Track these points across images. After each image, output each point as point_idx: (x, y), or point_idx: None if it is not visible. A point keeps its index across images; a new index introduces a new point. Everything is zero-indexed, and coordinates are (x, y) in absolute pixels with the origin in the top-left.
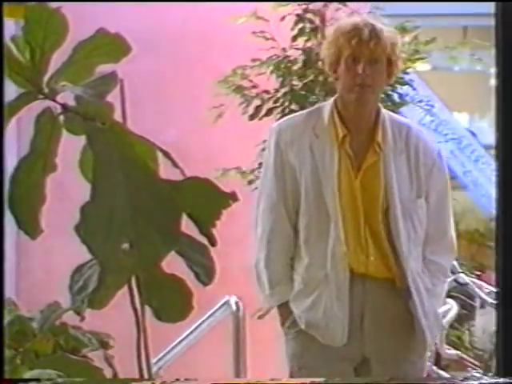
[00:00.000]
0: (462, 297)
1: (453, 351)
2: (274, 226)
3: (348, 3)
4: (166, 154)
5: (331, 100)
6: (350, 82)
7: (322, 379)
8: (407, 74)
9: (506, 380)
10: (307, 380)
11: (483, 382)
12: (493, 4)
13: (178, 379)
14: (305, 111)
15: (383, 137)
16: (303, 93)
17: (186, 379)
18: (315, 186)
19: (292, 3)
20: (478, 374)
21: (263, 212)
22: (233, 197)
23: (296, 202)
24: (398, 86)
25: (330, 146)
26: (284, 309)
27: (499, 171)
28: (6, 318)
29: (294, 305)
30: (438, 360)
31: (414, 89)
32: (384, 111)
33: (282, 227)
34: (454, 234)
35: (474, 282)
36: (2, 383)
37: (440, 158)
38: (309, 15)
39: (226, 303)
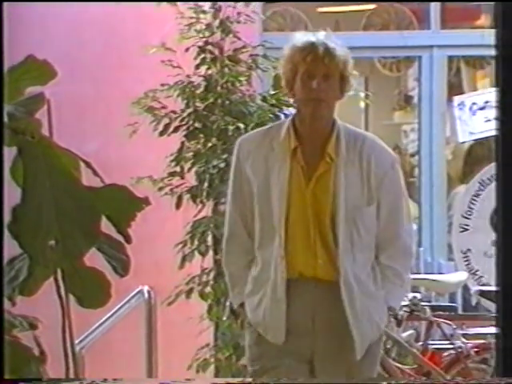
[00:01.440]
0: None
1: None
2: (231, 231)
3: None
4: (88, 164)
5: (290, 116)
6: (306, 97)
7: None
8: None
9: (506, 380)
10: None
11: (483, 382)
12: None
13: (106, 379)
14: (267, 126)
15: (336, 148)
16: (205, 113)
17: (114, 379)
18: (265, 195)
19: (195, 36)
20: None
21: (226, 217)
22: (145, 201)
23: (251, 209)
24: (283, 106)
25: (283, 158)
26: (241, 308)
27: (498, 171)
28: None
29: (246, 304)
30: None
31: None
32: (340, 123)
33: (239, 232)
34: (410, 238)
35: None
36: (1, 383)
37: (393, 169)
38: (209, 47)
39: (140, 292)
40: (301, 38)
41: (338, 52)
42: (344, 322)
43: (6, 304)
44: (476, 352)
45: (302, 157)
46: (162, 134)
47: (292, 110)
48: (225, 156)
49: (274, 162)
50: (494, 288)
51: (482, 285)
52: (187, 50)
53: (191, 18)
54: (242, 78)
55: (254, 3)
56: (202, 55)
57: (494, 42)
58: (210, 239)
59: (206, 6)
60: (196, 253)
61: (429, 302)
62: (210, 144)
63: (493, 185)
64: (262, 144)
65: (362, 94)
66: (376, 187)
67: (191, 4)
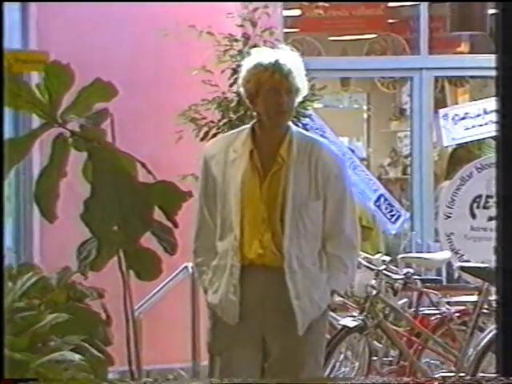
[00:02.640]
0: None
1: (339, 298)
2: (200, 225)
3: None
4: (143, 165)
5: (251, 123)
6: (272, 110)
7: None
8: (307, 110)
9: (507, 380)
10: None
11: (484, 381)
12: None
13: (156, 379)
14: (230, 132)
15: (288, 150)
16: (237, 123)
17: (166, 379)
18: (224, 193)
19: (228, 60)
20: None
21: (196, 212)
22: (189, 194)
23: (213, 206)
24: (302, 118)
25: (240, 159)
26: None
27: (499, 173)
28: (33, 279)
29: (208, 289)
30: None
31: (313, 120)
32: (295, 129)
33: (206, 226)
34: (354, 231)
35: None
36: (2, 383)
37: (340, 170)
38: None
39: (185, 268)
40: (262, 56)
41: (296, 67)
42: (289, 303)
43: (80, 278)
44: (458, 316)
45: (258, 158)
46: (202, 139)
47: (304, 121)
48: None
49: (233, 163)
50: (472, 264)
51: (462, 261)
52: (223, 71)
53: (226, 45)
54: None
55: (277, 33)
56: (235, 76)
57: (496, 51)
58: None
59: (239, 35)
60: None
61: (419, 275)
62: None
63: (471, 180)
64: (224, 147)
65: (365, 107)
66: (323, 185)
67: (226, 34)
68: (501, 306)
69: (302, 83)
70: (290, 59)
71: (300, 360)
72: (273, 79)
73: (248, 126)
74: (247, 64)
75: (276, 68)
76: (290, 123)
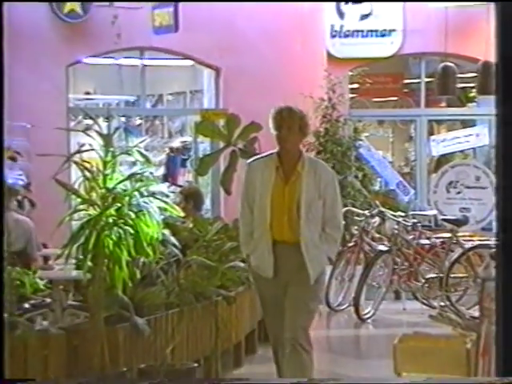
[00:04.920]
0: None
1: (377, 235)
2: (243, 216)
3: None
4: None
5: (277, 149)
6: (279, 140)
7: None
8: (360, 137)
9: (507, 380)
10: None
11: (484, 381)
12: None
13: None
14: (264, 154)
15: (301, 167)
16: (321, 148)
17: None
18: (260, 193)
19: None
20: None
21: (239, 205)
22: None
23: (253, 202)
24: (357, 141)
25: (271, 172)
26: (248, 257)
27: (499, 178)
28: (220, 225)
29: (251, 255)
30: None
31: (363, 142)
32: (305, 154)
33: (247, 216)
34: (341, 218)
35: None
36: (2, 383)
37: (333, 180)
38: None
39: None
40: (276, 108)
41: (297, 113)
42: (303, 264)
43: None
44: (440, 245)
45: (282, 171)
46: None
47: (358, 143)
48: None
49: (266, 175)
50: (447, 217)
51: (443, 215)
52: (316, 117)
53: (320, 103)
54: (340, 128)
55: (345, 97)
56: (323, 120)
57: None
58: None
59: (325, 97)
60: None
61: (420, 223)
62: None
63: (447, 173)
64: (261, 164)
65: (391, 135)
66: (323, 190)
67: (319, 97)
68: (501, 307)
69: (302, 123)
70: (294, 108)
71: (309, 298)
72: (277, 119)
73: (275, 150)
74: (270, 113)
75: (280, 112)
76: (302, 149)
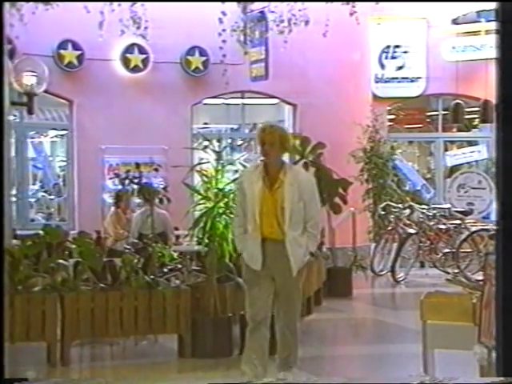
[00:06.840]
0: None
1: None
2: (237, 215)
3: None
4: (336, 174)
5: (263, 160)
6: (263, 153)
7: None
8: (395, 153)
9: (507, 380)
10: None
11: (483, 382)
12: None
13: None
14: (254, 165)
15: (283, 175)
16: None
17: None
18: (250, 199)
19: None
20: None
21: (235, 208)
22: (349, 183)
23: (245, 205)
24: (393, 156)
25: (258, 180)
26: (241, 253)
27: (498, 176)
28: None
29: (244, 251)
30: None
31: (397, 157)
32: (287, 164)
33: (241, 218)
34: (319, 218)
35: None
36: (1, 383)
37: (311, 186)
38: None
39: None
40: (261, 125)
41: (277, 130)
42: (287, 259)
43: None
44: (453, 228)
45: (267, 180)
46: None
47: (394, 157)
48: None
49: (255, 183)
50: (459, 209)
51: (455, 208)
52: (364, 138)
53: (366, 128)
54: (381, 146)
55: (384, 125)
56: (370, 140)
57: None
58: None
59: (370, 124)
60: None
61: (438, 213)
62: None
63: (457, 178)
64: (250, 173)
65: (417, 152)
66: (303, 194)
67: (365, 124)
68: (501, 308)
69: (282, 139)
70: (275, 126)
71: (292, 287)
72: (261, 136)
73: (262, 162)
74: (256, 131)
75: (263, 130)
76: (284, 159)
